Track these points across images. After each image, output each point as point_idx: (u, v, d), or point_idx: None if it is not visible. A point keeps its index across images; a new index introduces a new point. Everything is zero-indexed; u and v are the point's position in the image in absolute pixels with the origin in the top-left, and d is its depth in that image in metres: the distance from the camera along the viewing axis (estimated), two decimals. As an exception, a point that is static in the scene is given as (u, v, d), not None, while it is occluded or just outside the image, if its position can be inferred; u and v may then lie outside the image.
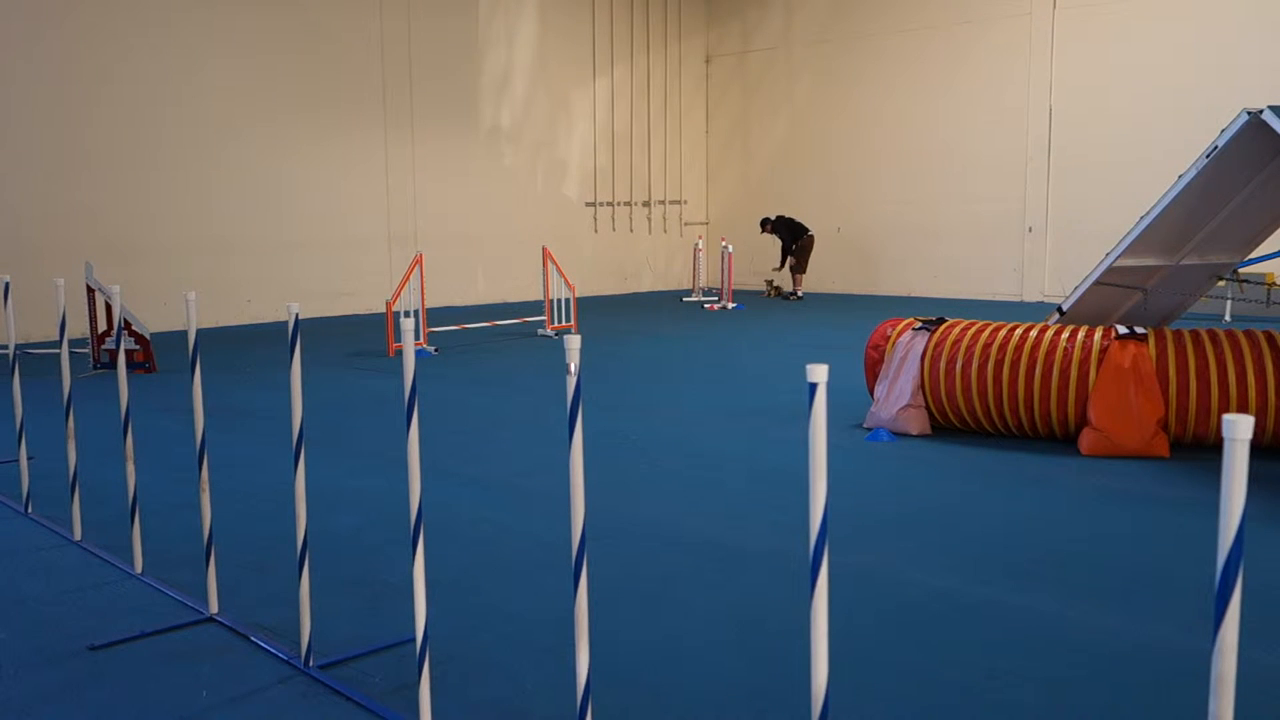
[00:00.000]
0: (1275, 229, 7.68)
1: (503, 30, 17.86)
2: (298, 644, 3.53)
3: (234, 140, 14.63)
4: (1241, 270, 8.28)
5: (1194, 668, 3.37)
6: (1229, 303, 12.87)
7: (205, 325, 13.62)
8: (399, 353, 8.67)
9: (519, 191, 18.27)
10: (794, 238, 17.79)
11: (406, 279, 11.35)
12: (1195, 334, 6.47)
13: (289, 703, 3.26)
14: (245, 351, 11.74)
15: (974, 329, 6.99)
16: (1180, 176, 6.49)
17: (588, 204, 19.41)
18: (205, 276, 14.03)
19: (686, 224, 21.20)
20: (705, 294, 18.72)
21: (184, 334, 6.16)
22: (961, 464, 6.34)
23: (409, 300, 11.36)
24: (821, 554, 2.12)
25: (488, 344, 12.31)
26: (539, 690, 3.31)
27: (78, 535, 4.95)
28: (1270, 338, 6.30)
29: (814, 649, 2.14)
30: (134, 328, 10.21)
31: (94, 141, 13.40)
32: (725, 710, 3.17)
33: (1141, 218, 6.83)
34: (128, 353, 9.99)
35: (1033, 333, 6.78)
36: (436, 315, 14.49)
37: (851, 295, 18.51)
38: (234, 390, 9.11)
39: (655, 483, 5.95)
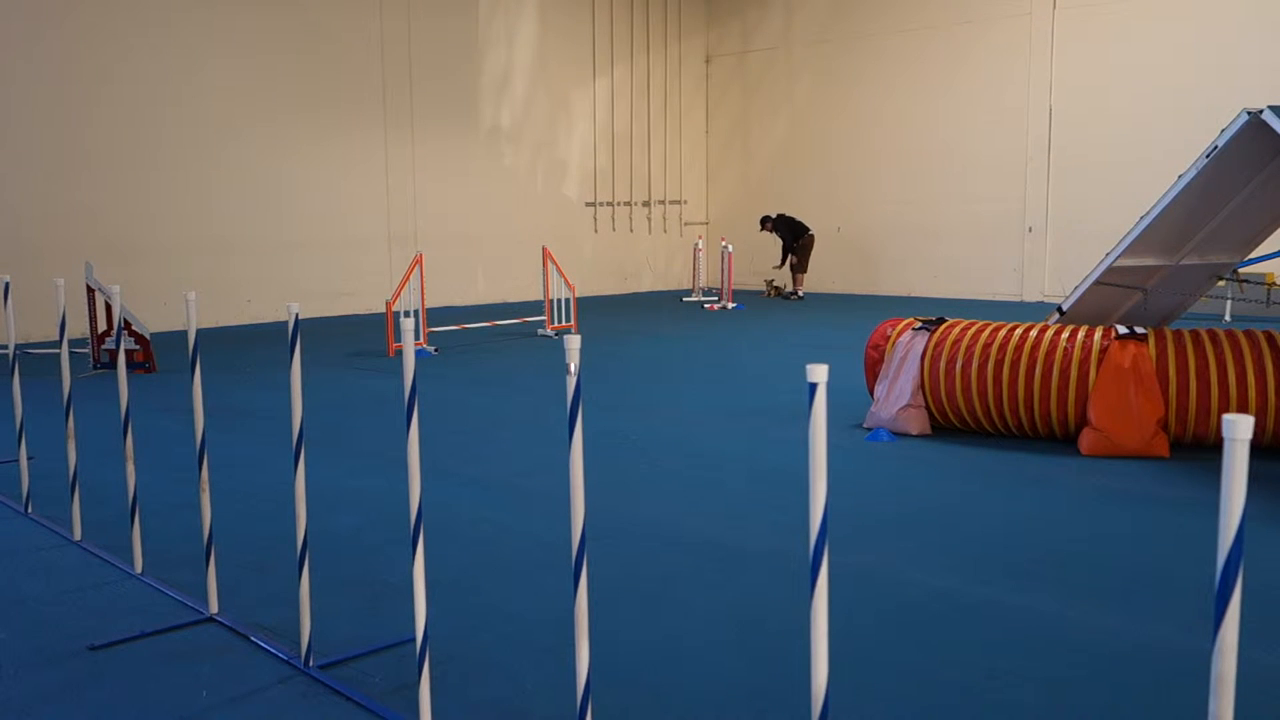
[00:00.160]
0: (1275, 229, 7.68)
1: (503, 30, 17.86)
2: (298, 644, 3.53)
3: (234, 140, 14.63)
4: (1241, 270, 8.28)
5: (1194, 668, 3.37)
6: (1229, 303, 12.88)
7: (205, 325, 13.62)
8: (399, 353, 8.67)
9: (519, 191, 18.27)
10: (794, 237, 17.81)
11: (406, 279, 11.35)
12: (1195, 334, 6.47)
13: (289, 703, 3.26)
14: (245, 351, 11.74)
15: (974, 329, 6.99)
16: (1180, 176, 6.49)
17: (588, 204, 19.41)
18: (205, 276, 14.04)
19: (686, 224, 21.20)
20: (705, 294, 18.72)
21: (184, 334, 6.16)
22: (961, 464, 6.34)
23: (409, 300, 11.36)
24: (821, 554, 2.12)
25: (488, 344, 12.31)
26: (539, 690, 3.31)
27: (78, 535, 4.95)
28: (1270, 338, 6.30)
29: (814, 649, 2.14)
30: (134, 328, 10.21)
31: (94, 141, 13.40)
32: (725, 710, 3.17)
33: (1141, 218, 6.83)
34: (128, 353, 9.99)
35: (1033, 333, 6.78)
36: (436, 315, 14.49)
37: (851, 295, 18.51)
38: (234, 390, 9.11)
39: (655, 483, 5.95)
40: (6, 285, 5.18)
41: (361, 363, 10.86)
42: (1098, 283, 7.27)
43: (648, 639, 3.72)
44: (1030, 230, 16.82)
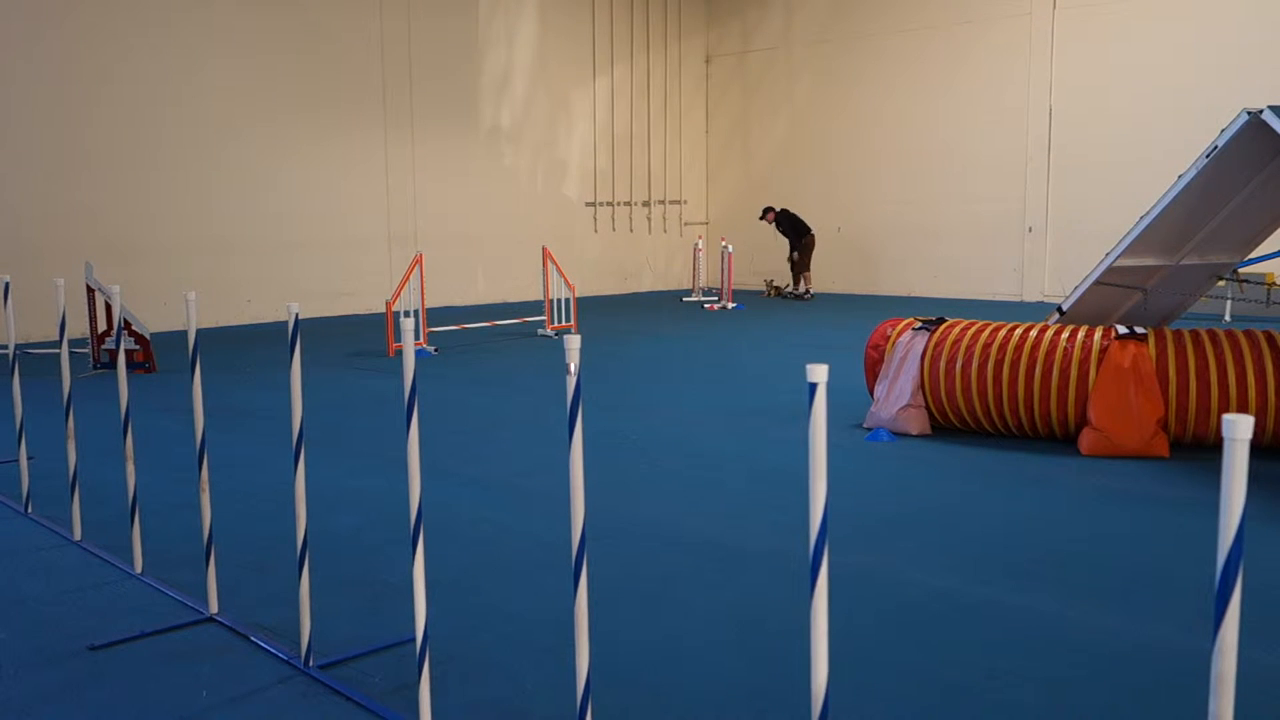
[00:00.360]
0: (1275, 229, 7.68)
1: (503, 30, 17.86)
2: (298, 644, 3.53)
3: (234, 140, 14.63)
4: (1241, 270, 8.28)
5: (1194, 668, 3.37)
6: (1229, 303, 12.87)
7: (205, 325, 13.62)
8: (399, 353, 8.67)
9: (519, 191, 18.27)
10: (798, 235, 17.78)
11: (406, 279, 11.35)
12: (1195, 334, 6.47)
13: (289, 703, 3.26)
14: (245, 351, 11.74)
15: (974, 329, 6.99)
16: (1180, 176, 6.49)
17: (588, 204, 19.41)
18: (205, 276, 14.04)
19: (686, 224, 21.20)
20: (705, 294, 18.72)
21: (184, 334, 6.16)
22: (961, 464, 6.34)
23: (409, 300, 11.36)
24: (821, 554, 2.12)
25: (488, 344, 12.31)
26: (539, 690, 3.31)
27: (78, 535, 4.95)
28: (1270, 338, 6.30)
29: (814, 649, 2.14)
30: (134, 328, 10.21)
31: (94, 141, 13.40)
32: (725, 710, 3.17)
33: (1141, 218, 6.83)
34: (128, 353, 9.99)
35: (1033, 333, 6.78)
36: (436, 315, 14.49)
37: (851, 295, 18.51)
38: (234, 390, 9.11)
39: (655, 483, 5.95)
40: (6, 285, 5.18)
41: (361, 363, 10.86)
42: (1098, 283, 7.27)
43: (648, 639, 3.72)
44: (1030, 230, 16.82)
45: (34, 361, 10.49)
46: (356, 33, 15.87)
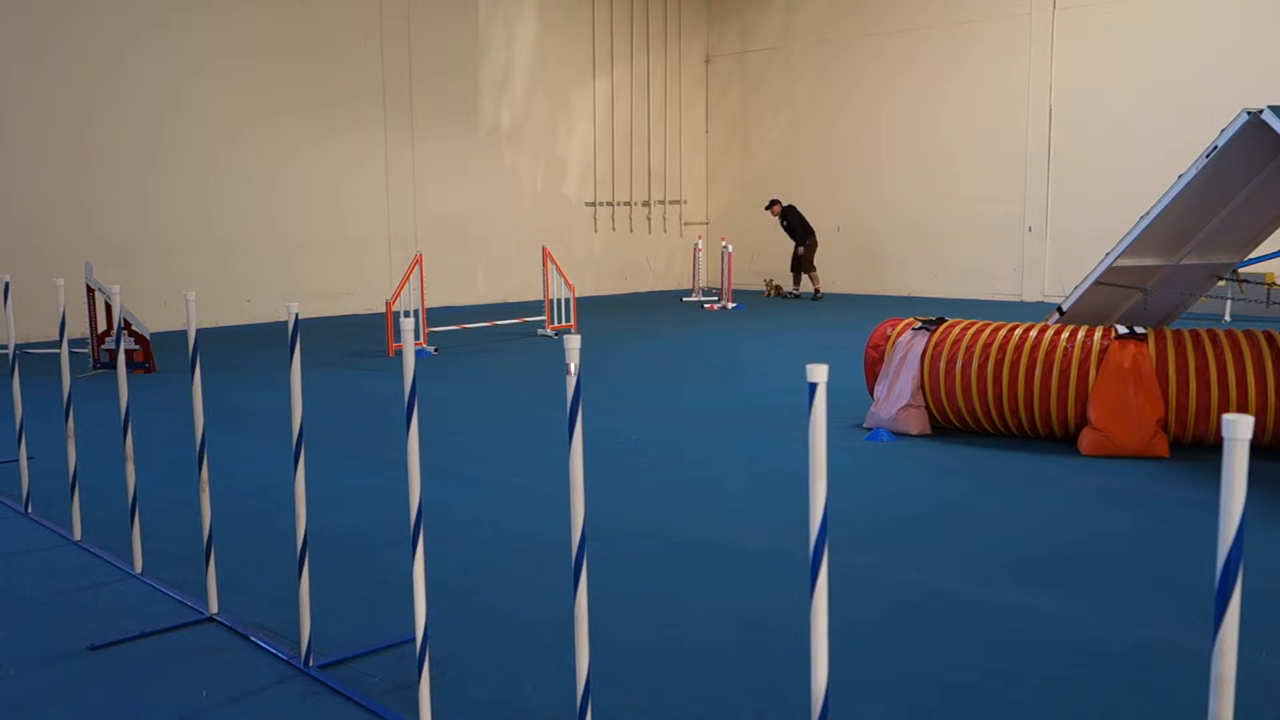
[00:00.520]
0: (1275, 229, 7.68)
1: (503, 30, 17.86)
2: (298, 644, 3.53)
3: (234, 140, 14.63)
4: (1241, 270, 8.28)
5: (1194, 668, 3.37)
6: (1229, 303, 12.87)
7: (205, 325, 13.62)
8: (399, 353, 8.67)
9: (519, 191, 18.27)
10: (801, 235, 17.72)
11: (406, 279, 11.35)
12: (1195, 334, 6.47)
13: (289, 703, 3.26)
14: (245, 351, 11.74)
15: (974, 329, 6.99)
16: (1180, 176, 6.49)
17: (588, 204, 19.41)
18: (205, 276, 14.04)
19: (686, 224, 21.20)
20: (705, 294, 18.72)
21: (184, 334, 6.16)
22: (961, 464, 6.34)
23: (409, 300, 11.36)
24: (821, 554, 2.12)
25: (488, 344, 12.31)
26: (539, 690, 3.31)
27: (78, 535, 4.95)
28: (1270, 338, 6.30)
29: (814, 649, 2.14)
30: (134, 328, 10.21)
31: (94, 141, 13.40)
32: (725, 710, 3.17)
33: (1141, 218, 6.84)
34: (128, 353, 9.99)
35: (1033, 333, 6.78)
36: (436, 315, 14.50)
37: (851, 295, 18.51)
38: (234, 390, 9.12)
39: (655, 483, 5.95)
40: (6, 285, 5.18)
41: (361, 363, 10.86)
42: (1098, 283, 7.27)
43: (648, 639, 3.72)
44: (1030, 230, 16.82)
45: (34, 361, 10.50)
46: (356, 33, 15.87)
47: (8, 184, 12.74)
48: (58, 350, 5.04)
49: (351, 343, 12.43)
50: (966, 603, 4.03)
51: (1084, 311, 7.57)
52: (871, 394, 7.37)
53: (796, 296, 18.08)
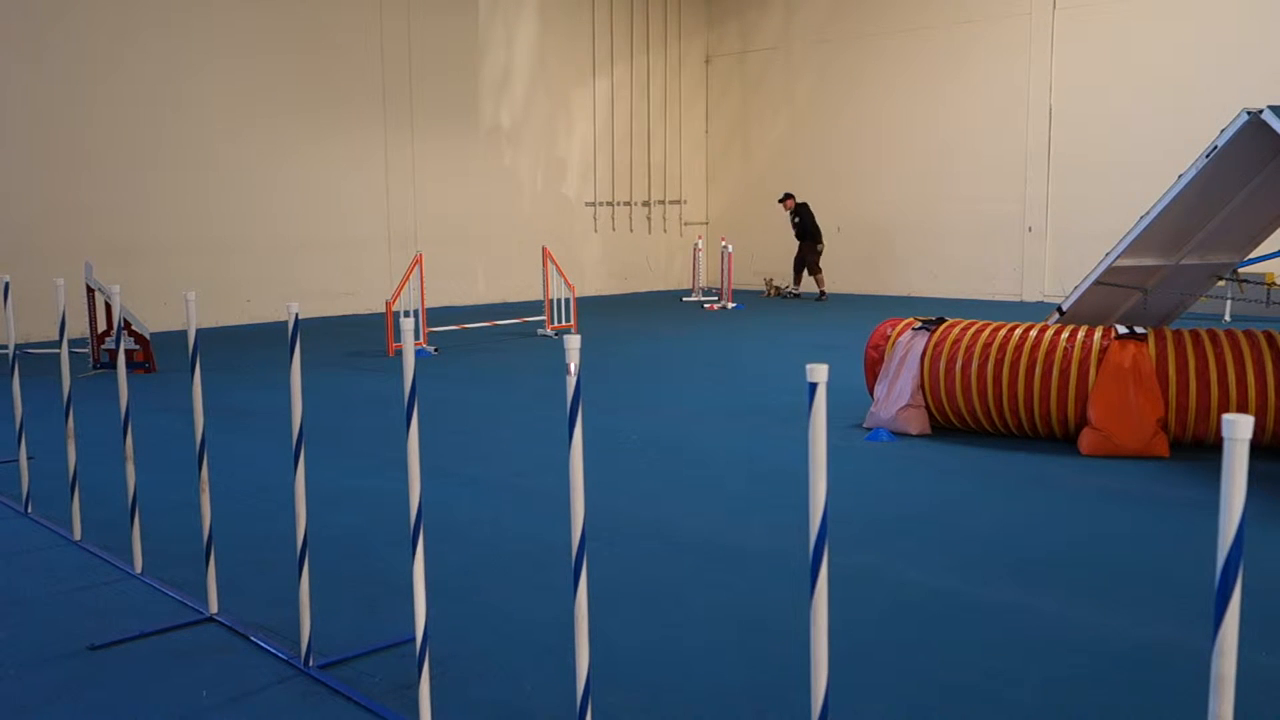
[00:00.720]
0: (1275, 229, 7.68)
1: (503, 30, 17.86)
2: (298, 644, 3.53)
3: (234, 140, 14.63)
4: (1241, 270, 8.28)
5: (1194, 668, 3.37)
6: (1229, 303, 12.87)
7: (205, 325, 13.62)
8: (399, 353, 8.67)
9: (519, 191, 18.27)
10: (815, 235, 17.59)
11: (406, 279, 11.35)
12: (1195, 334, 6.47)
13: (289, 703, 3.26)
14: (245, 351, 11.74)
15: (974, 329, 6.99)
16: (1180, 176, 6.49)
17: (588, 204, 19.41)
18: (205, 276, 14.03)
19: (686, 224, 21.20)
20: (705, 294, 18.72)
21: (184, 334, 6.15)
22: (961, 464, 6.34)
23: (409, 300, 11.36)
24: (821, 554, 2.12)
25: (488, 344, 12.31)
26: (539, 690, 3.31)
27: (78, 535, 4.95)
28: (1270, 338, 6.30)
29: (814, 649, 2.14)
30: (134, 328, 10.21)
31: (94, 141, 13.40)
32: (725, 710, 3.17)
33: (1141, 218, 6.84)
34: (128, 353, 9.99)
35: (1033, 333, 6.78)
36: (436, 315, 14.49)
37: (851, 295, 18.50)
38: (234, 390, 9.12)
39: (655, 483, 5.95)
40: (6, 285, 5.18)
41: (361, 363, 10.86)
42: (1098, 283, 7.27)
43: (648, 639, 3.72)
44: (1030, 230, 16.82)
45: (34, 361, 10.50)
46: (356, 33, 15.87)
47: (8, 184, 12.74)
48: (58, 350, 5.04)
49: (351, 343, 12.43)
50: (966, 603, 4.03)
51: (1084, 311, 7.57)
52: (871, 394, 7.37)
53: (797, 295, 18.05)
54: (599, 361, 10.57)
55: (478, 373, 10.22)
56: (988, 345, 6.81)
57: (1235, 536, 1.61)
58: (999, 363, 6.70)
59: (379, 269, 16.30)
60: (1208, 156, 6.27)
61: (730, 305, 16.60)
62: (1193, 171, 6.38)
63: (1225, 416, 1.58)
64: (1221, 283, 8.52)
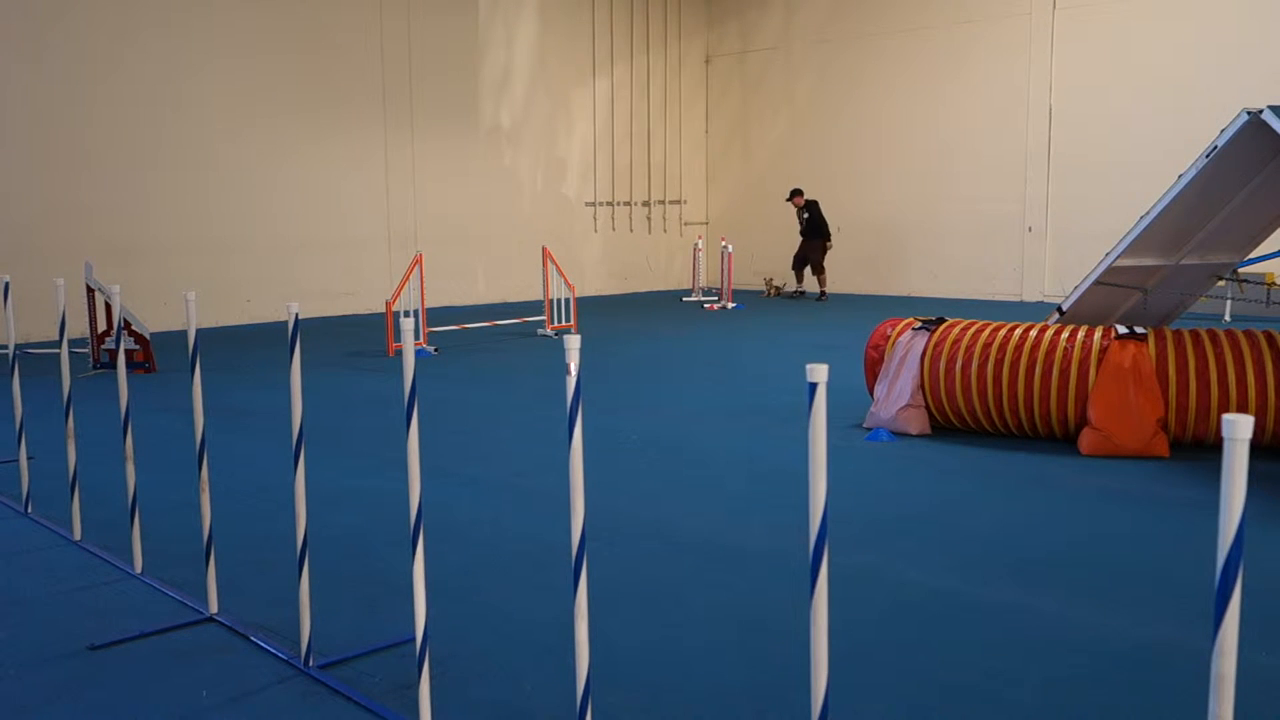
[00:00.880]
0: (1275, 229, 7.68)
1: (503, 30, 17.86)
2: (298, 644, 3.53)
3: (234, 140, 14.63)
4: (1241, 270, 8.28)
5: (1194, 668, 3.37)
6: (1229, 303, 12.87)
7: (205, 325, 13.62)
8: (399, 353, 8.67)
9: (519, 191, 18.27)
10: (823, 233, 17.51)
11: (406, 279, 11.35)
12: (1195, 334, 6.47)
13: (289, 703, 3.26)
14: (245, 351, 11.74)
15: (974, 329, 6.99)
16: (1180, 176, 6.49)
17: (588, 204, 19.41)
18: (205, 276, 14.03)
19: (686, 224, 21.20)
20: (705, 294, 18.71)
21: (184, 334, 6.16)
22: (961, 464, 6.34)
23: (409, 300, 11.36)
24: (821, 554, 2.12)
25: (488, 344, 12.31)
26: (539, 690, 3.31)
27: (78, 535, 4.95)
28: (1270, 338, 6.30)
29: (814, 649, 2.14)
30: (134, 328, 10.21)
31: (94, 141, 13.40)
32: (725, 710, 3.17)
33: (1141, 218, 6.84)
34: (128, 353, 9.99)
35: (1033, 333, 6.78)
36: (436, 315, 14.50)
37: (851, 295, 18.50)
38: (234, 390, 9.12)
39: (655, 483, 5.95)
40: (6, 285, 5.18)
41: (361, 363, 10.86)
42: (1098, 283, 7.27)
43: (648, 639, 3.72)
44: (1030, 230, 16.82)
45: (34, 361, 10.50)
46: (356, 33, 15.87)
47: (8, 184, 12.73)
48: (58, 350, 5.04)
49: (351, 343, 12.43)
50: (966, 603, 4.03)
51: (1084, 311, 7.57)
52: (871, 394, 7.37)
53: (802, 294, 17.97)
54: (599, 361, 10.57)
55: (478, 373, 10.22)
56: (988, 345, 6.81)
57: (1235, 536, 1.61)
58: (999, 363, 6.70)
59: (379, 269, 16.30)
60: (1208, 156, 6.27)
61: (730, 305, 16.60)
62: (1193, 171, 6.39)
63: (1225, 416, 1.58)
64: (1221, 283, 8.52)
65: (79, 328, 10.88)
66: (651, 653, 3.60)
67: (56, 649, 3.70)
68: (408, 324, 2.90)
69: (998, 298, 17.05)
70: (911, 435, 7.00)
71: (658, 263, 20.72)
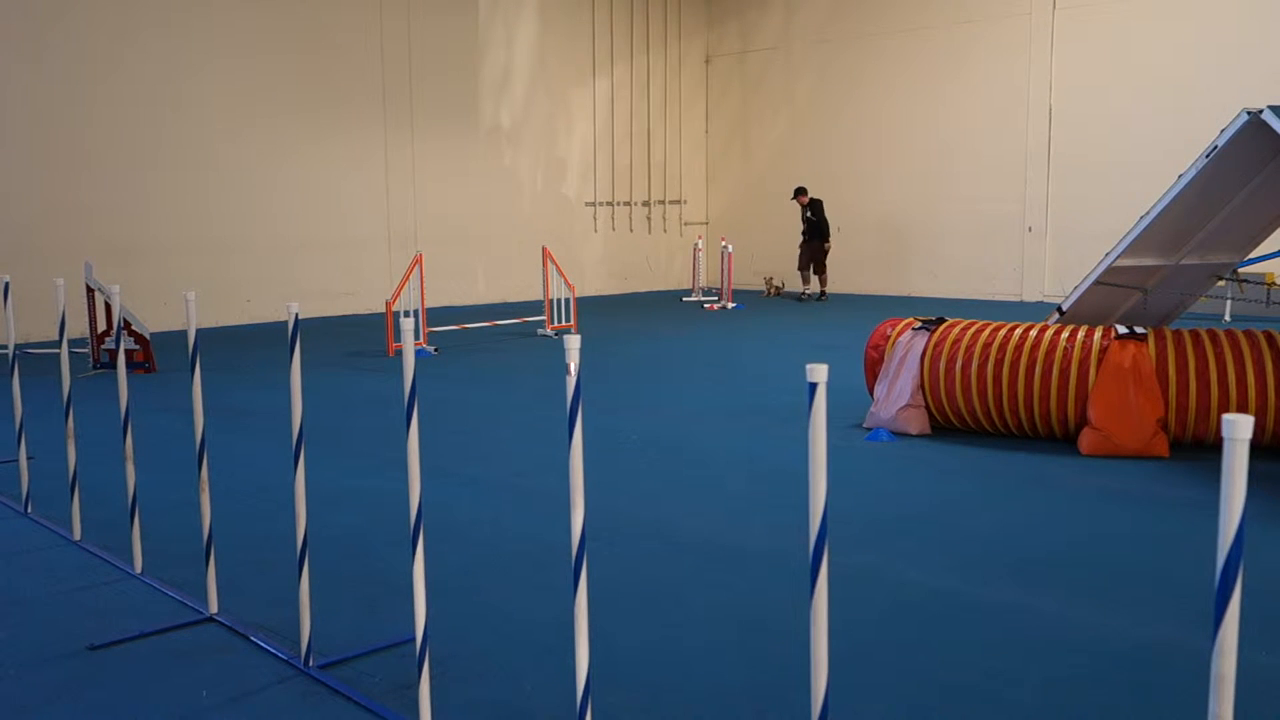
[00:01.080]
0: (1275, 229, 7.68)
1: (503, 30, 17.86)
2: (298, 644, 3.53)
3: (234, 140, 14.63)
4: (1241, 270, 8.28)
5: (1194, 668, 3.37)
6: (1229, 303, 12.87)
7: (205, 325, 13.61)
8: (399, 353, 8.67)
9: (519, 191, 18.27)
10: (826, 233, 17.47)
11: (406, 279, 11.35)
12: (1195, 334, 6.47)
13: (289, 703, 3.26)
14: (245, 351, 11.74)
15: (974, 329, 6.99)
16: (1180, 176, 6.49)
17: (588, 204, 19.41)
18: (205, 276, 14.03)
19: (686, 224, 21.20)
20: (705, 294, 18.71)
21: (184, 334, 6.16)
22: (961, 464, 6.34)
23: (409, 300, 11.36)
24: (821, 554, 2.12)
25: (488, 344, 12.31)
26: (539, 690, 3.31)
27: (78, 535, 4.95)
28: (1270, 338, 6.30)
29: (814, 649, 2.13)
30: (134, 328, 10.21)
31: (94, 141, 13.40)
32: (725, 710, 3.17)
33: (1141, 218, 6.84)
34: (127, 353, 9.99)
35: (1033, 333, 6.78)
36: (436, 315, 14.49)
37: (851, 295, 18.50)
38: (234, 390, 9.12)
39: (655, 483, 5.95)
40: (6, 285, 5.19)
41: (361, 363, 10.86)
42: (1098, 283, 7.27)
43: (648, 639, 3.72)
44: (1030, 230, 16.82)
45: (34, 361, 10.49)
46: (356, 33, 15.87)
47: (8, 184, 12.73)
48: (58, 350, 5.04)
49: (351, 343, 12.43)
50: (966, 603, 4.03)
51: (1084, 311, 7.57)
52: (871, 394, 7.37)
53: (809, 294, 17.84)
54: (599, 361, 10.57)
55: (478, 373, 10.22)
56: (988, 345, 6.81)
57: (1235, 536, 1.61)
58: (999, 363, 6.70)
59: (379, 269, 16.30)
60: (1208, 156, 6.27)
61: (730, 305, 16.60)
62: (1193, 171, 6.39)
63: (1225, 416, 1.58)
64: (1221, 283, 8.51)
65: (79, 328, 10.88)
66: (651, 653, 3.60)
67: (56, 649, 3.70)
68: (408, 324, 2.90)
69: (998, 298, 17.05)
70: (911, 435, 7.00)
71: (658, 263, 20.72)
